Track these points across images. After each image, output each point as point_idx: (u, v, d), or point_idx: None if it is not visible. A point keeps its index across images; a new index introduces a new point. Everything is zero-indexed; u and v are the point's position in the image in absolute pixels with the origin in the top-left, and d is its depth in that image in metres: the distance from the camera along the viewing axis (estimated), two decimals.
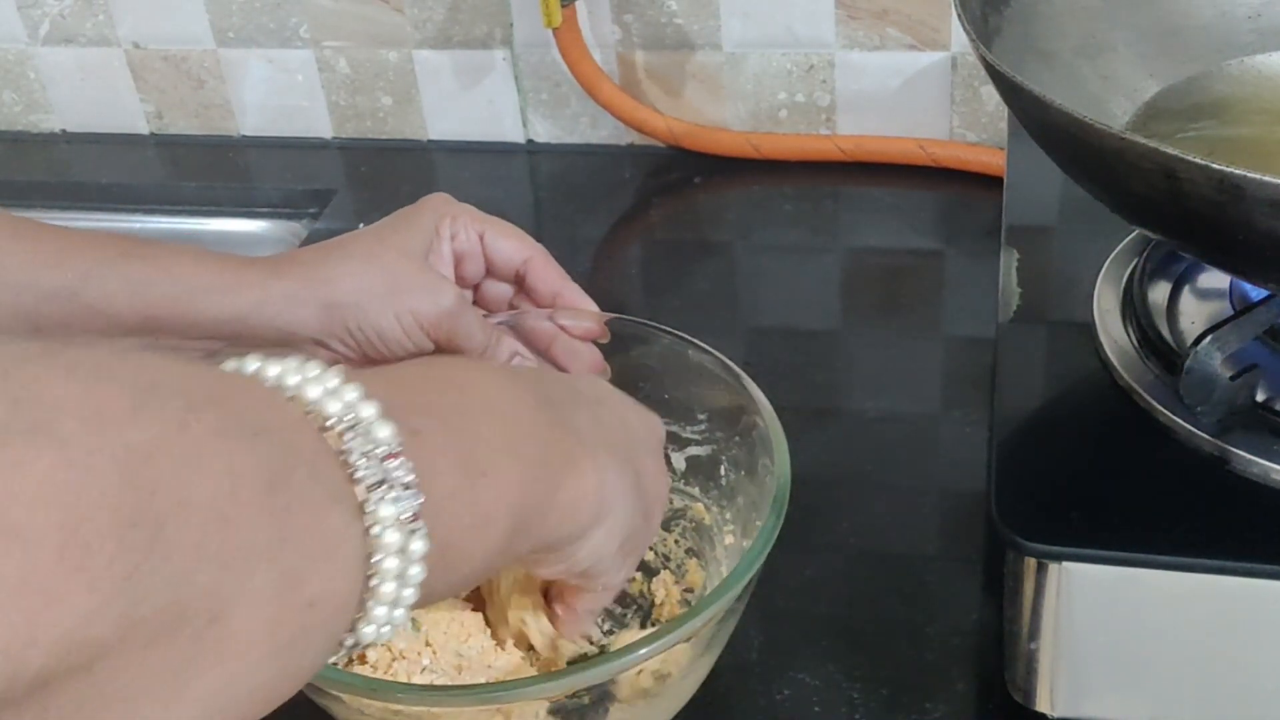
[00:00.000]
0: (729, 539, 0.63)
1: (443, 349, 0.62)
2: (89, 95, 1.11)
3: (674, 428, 0.66)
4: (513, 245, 0.66)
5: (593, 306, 0.67)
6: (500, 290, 0.68)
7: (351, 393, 0.36)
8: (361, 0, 1.02)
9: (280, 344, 0.61)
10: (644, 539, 0.53)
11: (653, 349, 0.66)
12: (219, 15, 1.05)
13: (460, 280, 0.66)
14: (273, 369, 0.36)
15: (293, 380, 0.36)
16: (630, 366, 0.67)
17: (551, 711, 0.53)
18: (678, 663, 0.54)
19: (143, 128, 1.12)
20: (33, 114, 1.14)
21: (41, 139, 1.14)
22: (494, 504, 0.41)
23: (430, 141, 1.08)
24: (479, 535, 0.41)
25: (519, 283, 0.68)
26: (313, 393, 0.36)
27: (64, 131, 1.14)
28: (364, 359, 0.62)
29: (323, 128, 1.09)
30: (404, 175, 1.05)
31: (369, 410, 0.36)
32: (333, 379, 0.36)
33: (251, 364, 0.36)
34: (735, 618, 0.56)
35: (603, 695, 0.54)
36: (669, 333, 0.65)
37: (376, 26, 1.03)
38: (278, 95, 1.08)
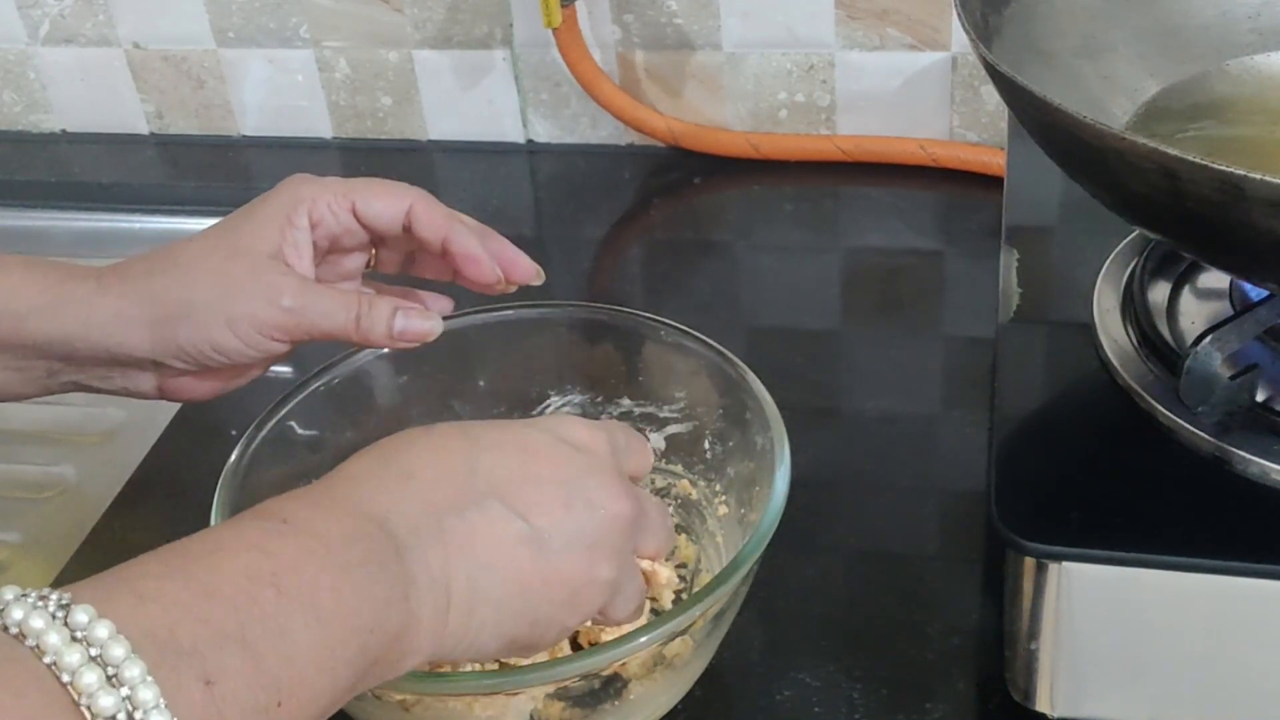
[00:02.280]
0: (722, 509, 0.64)
1: (303, 342, 0.59)
2: (89, 95, 1.11)
3: (650, 408, 0.67)
4: (386, 203, 0.61)
5: (477, 250, 0.61)
6: (399, 250, 0.64)
7: (133, 669, 0.34)
8: (361, 0, 1.02)
9: (114, 364, 0.58)
10: (553, 629, 0.49)
11: (620, 332, 0.67)
12: (219, 15, 1.05)
13: (346, 259, 0.63)
14: (50, 643, 0.34)
15: (71, 659, 0.34)
16: (600, 352, 0.68)
17: (558, 695, 0.53)
18: (696, 632, 0.55)
19: (143, 128, 1.12)
20: (33, 114, 1.14)
21: (41, 139, 1.14)
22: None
23: (430, 141, 1.08)
24: None
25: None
26: (88, 679, 0.34)
27: (64, 131, 1.14)
28: (208, 374, 0.59)
29: (323, 128, 1.09)
30: (404, 175, 1.03)
31: (147, 694, 0.34)
32: (116, 649, 0.35)
33: (32, 636, 0.34)
34: (748, 585, 0.57)
35: (613, 677, 0.54)
36: (636, 315, 0.66)
37: (376, 26, 1.03)
38: (278, 95, 1.08)
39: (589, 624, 0.54)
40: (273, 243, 0.59)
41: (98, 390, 0.61)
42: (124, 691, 0.34)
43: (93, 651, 0.34)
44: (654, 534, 0.53)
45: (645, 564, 0.56)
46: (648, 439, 0.68)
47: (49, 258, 0.59)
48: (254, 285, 0.57)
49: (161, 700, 0.34)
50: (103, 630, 0.35)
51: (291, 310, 0.57)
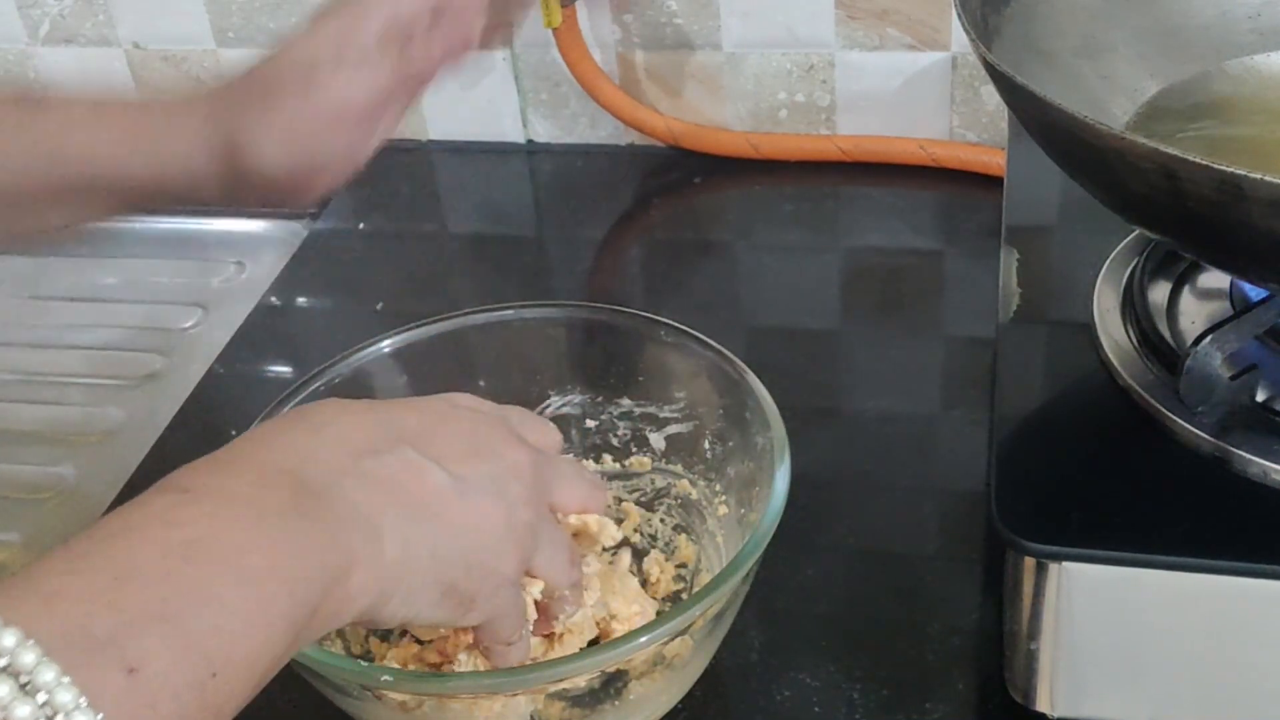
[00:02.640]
0: (722, 509, 0.64)
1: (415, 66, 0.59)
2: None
3: (650, 408, 0.67)
4: None
5: None
6: None
7: (47, 673, 0.33)
8: None
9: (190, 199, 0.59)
10: (491, 576, 0.49)
11: (620, 332, 0.67)
12: (219, 15, 1.05)
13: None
14: None
15: None
16: (600, 352, 0.68)
17: (558, 695, 0.53)
18: (695, 632, 0.55)
19: None
20: None
21: None
22: (230, 692, 0.38)
23: (430, 141, 1.08)
24: None
25: None
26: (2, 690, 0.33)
27: None
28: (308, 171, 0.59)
29: None
30: (404, 175, 1.05)
31: (65, 696, 0.33)
32: (26, 656, 0.33)
33: None
34: (748, 585, 0.57)
35: (613, 677, 0.54)
36: (636, 315, 0.66)
37: None
38: None
39: (539, 593, 0.54)
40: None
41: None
42: (41, 698, 0.33)
43: (1, 662, 0.33)
44: (570, 485, 0.54)
45: (574, 519, 0.56)
46: (647, 439, 0.68)
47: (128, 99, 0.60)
48: (338, 20, 0.59)
49: (83, 700, 0.33)
50: (9, 639, 0.33)
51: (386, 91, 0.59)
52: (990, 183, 0.94)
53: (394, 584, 0.45)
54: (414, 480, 0.47)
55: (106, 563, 0.37)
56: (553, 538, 0.52)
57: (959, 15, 0.61)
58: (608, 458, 0.69)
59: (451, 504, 0.47)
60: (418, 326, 0.66)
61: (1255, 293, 0.60)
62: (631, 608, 0.59)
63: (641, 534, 0.67)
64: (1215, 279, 0.65)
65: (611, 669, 0.53)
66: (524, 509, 0.50)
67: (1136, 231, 0.67)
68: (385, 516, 0.45)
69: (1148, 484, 0.56)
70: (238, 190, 0.58)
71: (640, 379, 0.67)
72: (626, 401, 0.68)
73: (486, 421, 0.52)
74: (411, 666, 0.57)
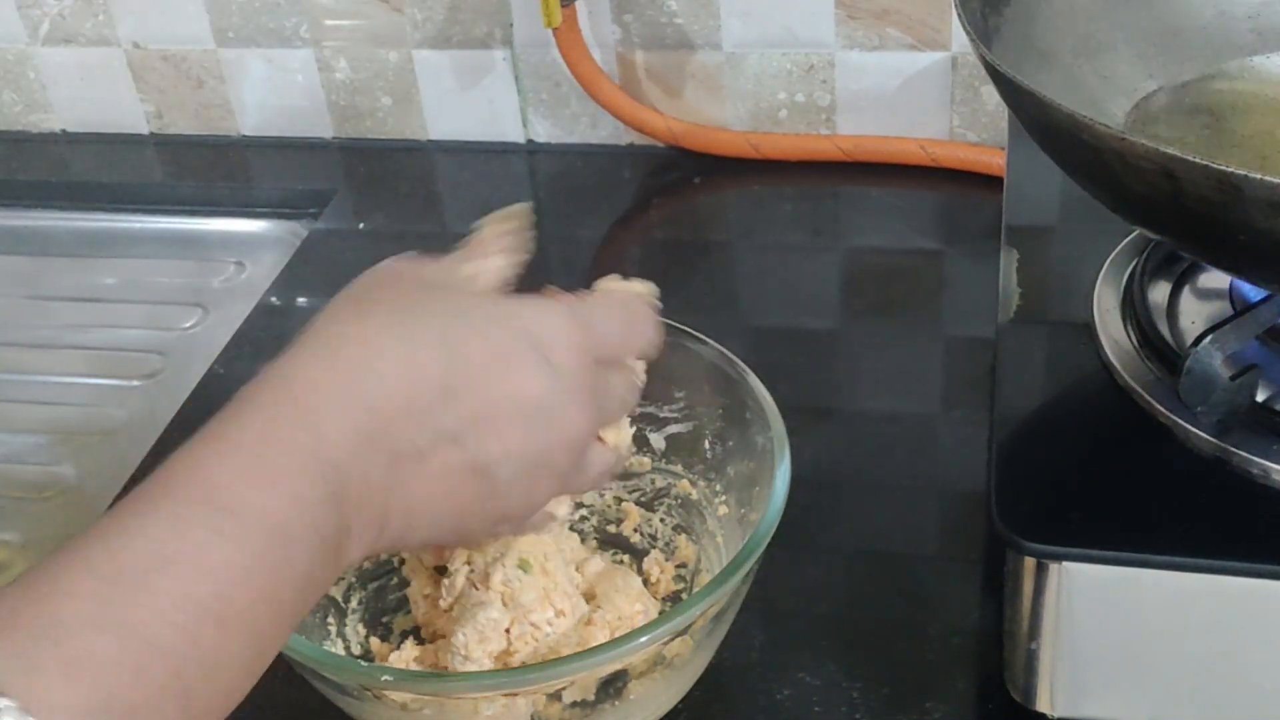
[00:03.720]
0: (723, 509, 0.64)
1: None
2: (89, 95, 1.11)
3: (650, 408, 0.67)
4: None
5: None
6: None
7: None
8: (361, 0, 1.02)
9: None
10: (473, 539, 0.52)
11: None
12: (219, 15, 1.05)
13: None
14: None
15: None
16: None
17: (557, 695, 0.53)
18: (696, 631, 0.55)
19: (143, 128, 1.12)
20: (33, 114, 1.14)
21: (41, 139, 1.14)
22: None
23: (430, 141, 1.08)
24: None
25: None
26: None
27: (64, 131, 1.14)
28: None
29: (323, 128, 1.09)
30: (404, 175, 1.05)
31: None
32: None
33: None
34: (748, 584, 0.57)
35: (613, 677, 0.54)
36: None
37: (376, 26, 1.03)
38: (278, 95, 1.08)
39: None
40: None
41: None
42: None
43: None
44: (612, 335, 0.54)
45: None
46: (647, 439, 0.68)
47: None
48: None
49: None
50: None
51: None
52: (990, 183, 0.94)
53: (380, 551, 0.47)
54: (441, 476, 0.46)
55: (136, 617, 0.35)
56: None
57: (959, 15, 0.61)
58: None
59: (469, 494, 0.47)
60: None
61: (1255, 293, 0.60)
62: (634, 607, 0.59)
63: (641, 534, 0.67)
64: (1215, 279, 0.65)
65: (611, 669, 0.53)
66: (546, 485, 0.50)
67: (1136, 231, 0.67)
68: (394, 516, 0.45)
69: (1148, 484, 0.56)
70: None
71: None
72: None
73: (560, 388, 0.48)
74: (413, 667, 0.57)
